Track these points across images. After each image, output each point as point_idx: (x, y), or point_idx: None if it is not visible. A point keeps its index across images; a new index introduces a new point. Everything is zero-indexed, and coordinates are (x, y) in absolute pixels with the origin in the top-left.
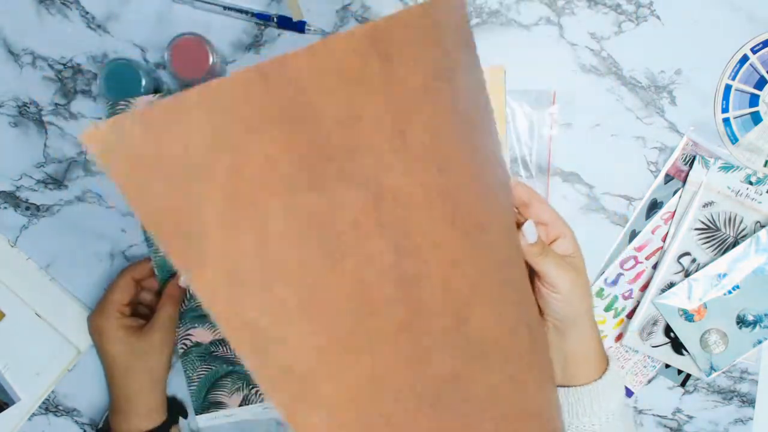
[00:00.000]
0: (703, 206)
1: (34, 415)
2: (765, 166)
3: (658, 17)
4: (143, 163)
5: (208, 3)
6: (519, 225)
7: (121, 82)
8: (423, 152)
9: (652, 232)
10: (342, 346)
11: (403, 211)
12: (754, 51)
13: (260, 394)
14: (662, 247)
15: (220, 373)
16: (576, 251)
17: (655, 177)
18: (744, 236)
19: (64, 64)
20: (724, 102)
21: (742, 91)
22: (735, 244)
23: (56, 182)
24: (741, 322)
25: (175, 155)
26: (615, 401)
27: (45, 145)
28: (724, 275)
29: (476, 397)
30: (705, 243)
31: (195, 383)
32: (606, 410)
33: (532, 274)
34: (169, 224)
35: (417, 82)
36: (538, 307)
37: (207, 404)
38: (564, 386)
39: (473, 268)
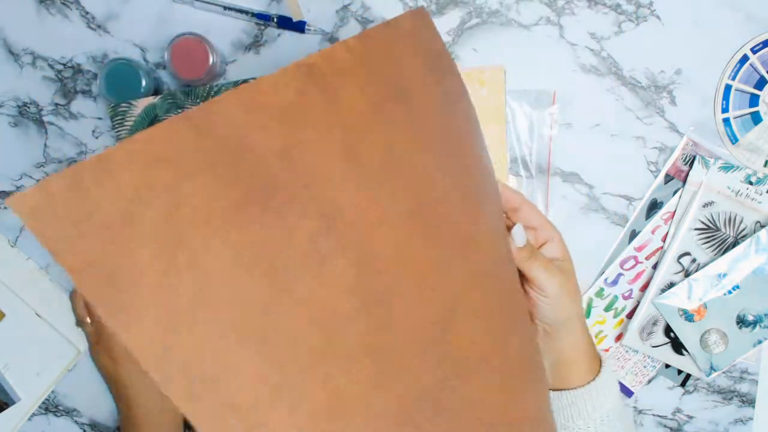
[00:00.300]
0: (703, 206)
1: (34, 415)
2: (765, 166)
3: (658, 17)
4: (72, 221)
5: (208, 3)
6: (508, 229)
7: (121, 82)
8: (382, 171)
9: (652, 232)
10: (298, 372)
11: (364, 230)
12: (754, 51)
13: None
14: (662, 247)
15: None
16: (565, 255)
17: (655, 177)
18: (744, 236)
19: (64, 64)
20: (724, 102)
21: (742, 91)
22: (735, 244)
23: None
24: (741, 322)
25: (104, 209)
26: (610, 402)
27: (45, 145)
28: (724, 275)
29: (460, 409)
30: (705, 243)
31: None
32: (600, 412)
33: (521, 278)
34: (98, 276)
35: (365, 106)
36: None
37: None
38: (556, 389)
39: (456, 279)
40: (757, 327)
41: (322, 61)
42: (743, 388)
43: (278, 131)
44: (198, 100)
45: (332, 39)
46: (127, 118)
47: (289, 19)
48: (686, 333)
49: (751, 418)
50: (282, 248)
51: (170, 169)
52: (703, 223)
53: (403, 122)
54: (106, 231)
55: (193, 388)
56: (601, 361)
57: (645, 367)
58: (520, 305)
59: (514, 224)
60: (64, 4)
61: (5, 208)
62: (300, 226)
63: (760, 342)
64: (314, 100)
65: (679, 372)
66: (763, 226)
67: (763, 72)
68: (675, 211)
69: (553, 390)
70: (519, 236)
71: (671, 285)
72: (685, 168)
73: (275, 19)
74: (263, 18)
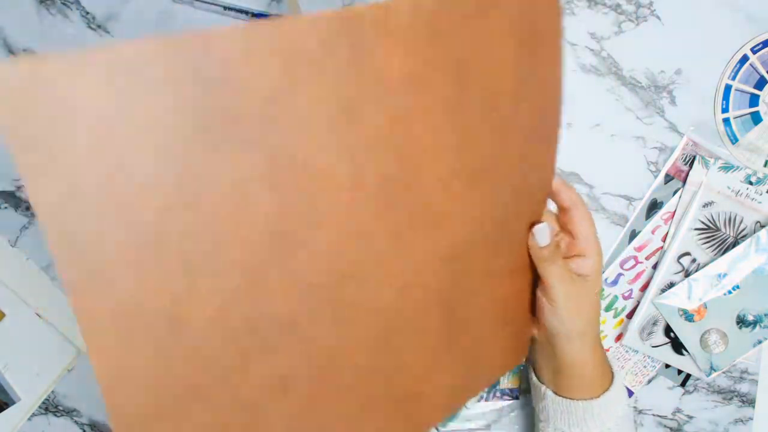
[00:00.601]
0: (703, 206)
1: (34, 415)
2: (765, 166)
3: (658, 17)
4: (24, 97)
5: (208, 3)
6: (532, 225)
7: None
8: (377, 140)
9: (652, 232)
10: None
11: (315, 186)
12: (754, 51)
13: None
14: (662, 247)
15: None
16: (595, 276)
17: (655, 177)
18: (744, 236)
19: None
20: (724, 102)
21: (742, 91)
22: (735, 244)
23: None
24: (741, 322)
25: (59, 103)
26: (612, 420)
27: None
28: (724, 275)
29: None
30: (705, 243)
31: None
32: (601, 427)
33: (536, 282)
34: (22, 136)
35: (401, 73)
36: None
37: None
38: (555, 393)
39: (378, 242)
40: (757, 327)
41: (370, 15)
42: (743, 388)
43: (276, 76)
44: None
45: None
46: None
47: None
48: (686, 333)
49: (751, 418)
50: (213, 176)
51: (135, 81)
52: (703, 223)
53: (443, 99)
54: (53, 116)
55: (85, 279)
56: (612, 379)
57: (645, 367)
58: (479, 293)
59: (542, 222)
60: (64, 4)
61: (5, 208)
62: (241, 162)
63: (760, 342)
64: (338, 53)
65: (679, 372)
66: (763, 226)
67: (763, 72)
68: (675, 211)
69: (553, 392)
70: (540, 235)
71: (671, 285)
72: (685, 168)
73: None
74: (263, 18)
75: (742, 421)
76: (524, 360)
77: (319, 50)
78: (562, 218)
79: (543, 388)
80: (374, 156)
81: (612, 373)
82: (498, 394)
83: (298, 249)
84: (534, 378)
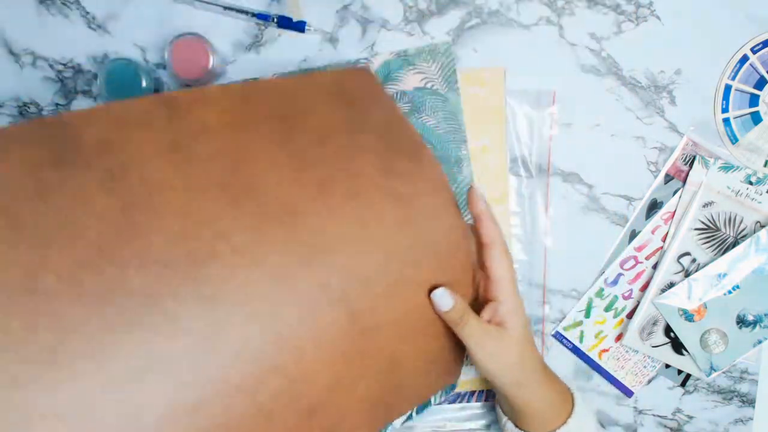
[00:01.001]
0: (703, 206)
1: None
2: (765, 166)
3: (658, 17)
4: None
5: (208, 3)
6: (434, 287)
7: (122, 82)
8: (208, 162)
9: (652, 232)
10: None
11: (152, 193)
12: (754, 51)
13: None
14: (662, 247)
15: None
16: (513, 323)
17: (655, 177)
18: (744, 236)
19: (64, 64)
20: (724, 102)
21: (742, 91)
22: (735, 244)
23: None
24: (741, 322)
25: None
26: None
27: None
28: (724, 275)
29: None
30: (705, 243)
31: None
32: None
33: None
34: None
35: (219, 122)
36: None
37: None
38: (515, 425)
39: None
40: (757, 327)
41: (183, 95)
42: (743, 388)
43: (105, 126)
44: None
45: (332, 39)
46: None
47: (289, 19)
48: (686, 333)
49: (751, 418)
50: (60, 184)
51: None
52: (703, 223)
53: (270, 134)
54: None
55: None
56: (569, 414)
57: (645, 367)
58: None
59: (438, 287)
60: (64, 4)
61: None
62: (80, 176)
63: (760, 342)
64: (156, 114)
65: (679, 372)
66: (763, 226)
67: (763, 72)
68: (675, 211)
69: (514, 425)
70: (441, 300)
71: (671, 285)
72: (685, 168)
73: (275, 19)
74: (263, 18)
75: (742, 421)
76: (456, 380)
77: (140, 114)
78: (480, 254)
79: (504, 419)
80: (207, 167)
81: (573, 404)
82: None
83: (147, 235)
84: (498, 408)
